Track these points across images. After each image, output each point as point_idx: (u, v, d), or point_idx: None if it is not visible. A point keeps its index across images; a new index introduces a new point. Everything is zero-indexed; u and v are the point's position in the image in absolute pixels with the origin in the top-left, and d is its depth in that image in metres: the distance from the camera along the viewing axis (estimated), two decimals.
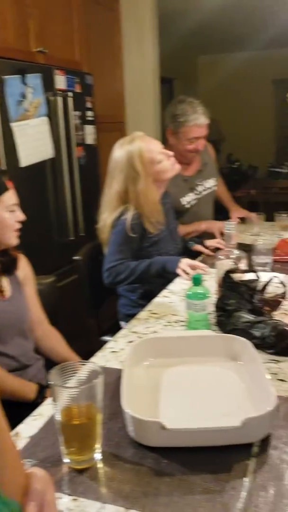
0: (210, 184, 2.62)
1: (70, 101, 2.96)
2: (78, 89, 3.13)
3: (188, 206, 2.49)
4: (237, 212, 2.76)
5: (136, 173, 1.85)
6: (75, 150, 3.03)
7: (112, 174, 1.92)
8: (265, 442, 0.88)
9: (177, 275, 1.86)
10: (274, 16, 4.61)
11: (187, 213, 2.50)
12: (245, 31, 5.45)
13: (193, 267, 1.82)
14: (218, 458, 0.84)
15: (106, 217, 1.93)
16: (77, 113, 3.09)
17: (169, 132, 2.50)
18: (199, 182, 2.55)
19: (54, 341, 1.63)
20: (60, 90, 2.91)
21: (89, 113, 3.26)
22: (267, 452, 0.86)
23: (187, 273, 1.79)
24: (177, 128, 2.43)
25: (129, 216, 1.84)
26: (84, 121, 3.20)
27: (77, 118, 3.11)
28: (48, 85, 2.80)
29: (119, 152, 1.89)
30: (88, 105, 3.25)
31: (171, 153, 1.97)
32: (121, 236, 1.87)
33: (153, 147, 1.91)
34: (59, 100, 2.88)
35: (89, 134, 3.26)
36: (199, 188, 2.56)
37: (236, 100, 6.93)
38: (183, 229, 2.35)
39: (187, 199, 2.49)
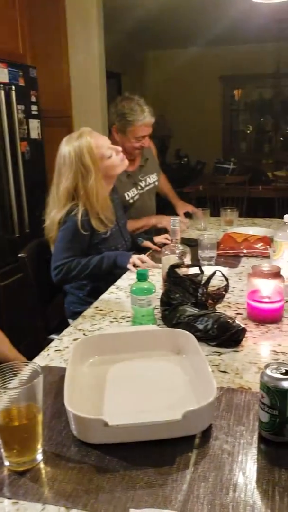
0: (152, 179, 2.65)
1: (13, 95, 2.89)
2: (21, 82, 3.07)
3: (131, 201, 2.50)
4: (182, 207, 2.80)
5: (86, 169, 1.83)
6: (19, 145, 2.97)
7: (60, 170, 1.88)
8: (206, 434, 0.90)
9: (126, 270, 1.87)
10: (221, 13, 4.68)
11: (131, 208, 2.51)
12: (193, 28, 5.51)
13: (143, 262, 1.84)
14: (161, 452, 0.85)
15: (54, 214, 1.89)
16: (21, 107, 3.03)
17: (115, 129, 2.49)
18: (141, 177, 2.58)
19: None
20: (2, 83, 2.84)
21: (34, 107, 3.20)
22: (209, 443, 0.88)
23: (137, 268, 1.81)
24: (125, 127, 2.44)
25: (79, 212, 1.82)
26: (28, 115, 3.14)
27: (21, 112, 3.04)
28: None
29: (67, 148, 1.86)
30: (33, 99, 3.19)
31: (120, 148, 1.97)
32: (70, 233, 1.85)
33: (102, 143, 1.90)
34: (1, 93, 2.81)
35: (34, 128, 3.21)
36: (142, 184, 2.58)
37: (183, 96, 7.00)
38: (132, 225, 2.36)
39: (131, 194, 2.50)
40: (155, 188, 2.70)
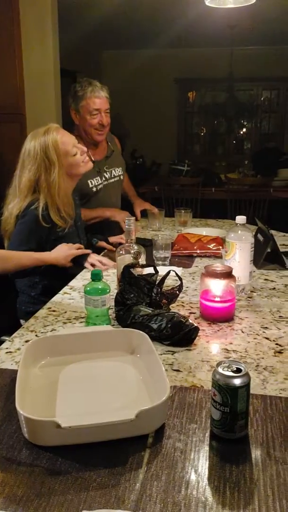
0: (118, 172, 2.66)
1: None
2: None
3: (94, 189, 2.50)
4: (140, 205, 2.81)
5: (50, 163, 1.85)
6: None
7: (24, 163, 1.88)
8: (159, 432, 0.90)
9: (81, 269, 1.87)
10: (177, 15, 4.73)
11: (94, 197, 2.51)
12: (150, 29, 5.54)
13: (101, 263, 1.86)
14: (114, 452, 0.85)
15: (13, 207, 1.88)
16: None
17: (72, 112, 2.52)
18: (107, 168, 2.59)
19: None
20: None
21: None
22: (162, 442, 0.88)
23: (93, 266, 1.84)
24: (77, 103, 2.47)
25: (40, 205, 1.82)
26: None
27: None
28: None
29: (33, 142, 1.87)
30: None
31: (85, 149, 1.99)
32: (28, 226, 1.84)
33: (68, 140, 1.92)
34: None
35: None
36: (106, 175, 2.58)
37: (139, 97, 7.03)
38: (87, 214, 2.35)
39: (94, 182, 2.50)
40: (120, 184, 2.70)
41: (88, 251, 1.90)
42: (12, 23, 3.68)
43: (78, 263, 1.87)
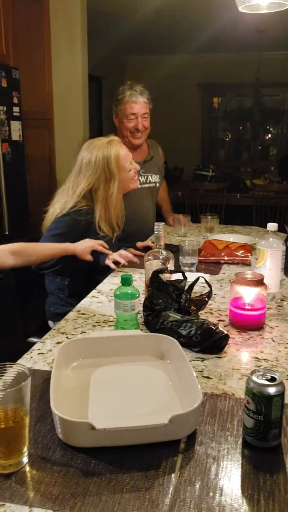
0: (154, 179, 2.68)
1: None
2: (4, 83, 3.04)
3: None
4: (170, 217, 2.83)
5: (111, 175, 1.90)
6: (0, 146, 2.94)
7: (81, 170, 1.92)
8: (191, 438, 0.91)
9: (105, 275, 1.88)
10: (207, 21, 4.74)
11: (125, 197, 2.51)
12: (177, 35, 5.57)
13: (123, 257, 1.87)
14: (147, 456, 0.86)
15: (59, 206, 1.91)
16: (3, 108, 3.01)
17: (114, 115, 2.59)
18: (143, 172, 2.60)
19: None
20: None
21: (16, 109, 3.18)
22: (194, 448, 0.88)
23: (117, 263, 1.85)
24: (117, 107, 2.54)
25: (96, 215, 1.89)
26: (10, 116, 3.11)
27: (3, 113, 3.02)
28: None
29: (96, 151, 1.91)
30: (15, 100, 3.17)
31: (138, 167, 2.06)
32: (64, 227, 1.87)
33: (127, 155, 1.97)
34: None
35: (15, 130, 3.18)
36: (141, 179, 2.59)
37: (163, 102, 6.99)
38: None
39: None
40: (154, 191, 2.72)
41: (109, 252, 1.89)
42: (42, 31, 3.75)
43: (98, 262, 1.87)
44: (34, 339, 1.90)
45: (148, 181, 2.64)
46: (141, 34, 5.59)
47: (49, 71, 3.85)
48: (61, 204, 1.91)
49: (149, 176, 2.65)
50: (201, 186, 5.22)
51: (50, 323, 2.02)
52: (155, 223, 1.59)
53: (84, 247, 1.80)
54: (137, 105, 2.49)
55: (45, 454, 0.86)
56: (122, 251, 1.93)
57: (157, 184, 2.71)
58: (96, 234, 1.93)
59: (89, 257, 1.80)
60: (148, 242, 2.25)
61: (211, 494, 0.77)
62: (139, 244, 2.23)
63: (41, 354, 1.25)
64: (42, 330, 1.64)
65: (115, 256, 1.87)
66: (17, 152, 3.20)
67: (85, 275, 1.94)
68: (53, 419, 0.90)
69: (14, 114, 3.15)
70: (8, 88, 3.07)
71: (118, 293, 1.37)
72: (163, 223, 1.60)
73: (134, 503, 0.75)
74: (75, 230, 1.86)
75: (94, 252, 1.82)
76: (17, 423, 0.81)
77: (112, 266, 1.85)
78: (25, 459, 0.83)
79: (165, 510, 0.74)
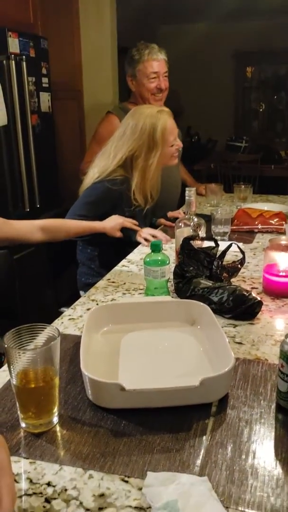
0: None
1: (24, 66, 2.84)
2: (32, 53, 3.01)
3: None
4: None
5: (155, 145, 1.86)
6: (29, 118, 2.93)
7: (125, 134, 1.87)
8: (223, 402, 0.89)
9: (135, 246, 1.86)
10: None
11: None
12: (206, 2, 5.37)
13: (153, 236, 1.83)
14: (177, 418, 0.84)
15: (98, 171, 1.89)
16: (32, 78, 2.98)
17: (128, 79, 2.44)
18: None
19: (61, 228, 1.67)
20: (13, 53, 2.79)
21: (45, 80, 3.15)
22: (225, 412, 0.87)
23: (147, 241, 1.81)
24: (134, 68, 2.38)
25: (133, 183, 1.87)
26: (39, 87, 3.08)
27: (32, 84, 3.00)
28: (1, 47, 2.68)
29: (143, 119, 1.86)
30: (43, 71, 3.14)
31: (181, 144, 2.01)
32: (95, 195, 1.86)
33: (174, 129, 1.92)
34: (13, 64, 2.76)
35: (44, 101, 3.16)
36: None
37: (196, 72, 6.87)
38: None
39: None
40: (179, 155, 2.61)
41: (138, 228, 1.87)
42: (70, 1, 3.68)
43: (129, 239, 1.85)
44: (66, 309, 1.91)
45: None
46: (169, 2, 5.42)
47: (77, 40, 3.78)
48: (100, 168, 1.89)
49: None
50: (234, 158, 5.09)
51: (82, 293, 2.02)
52: (187, 188, 1.55)
53: (113, 224, 1.78)
54: (158, 62, 2.34)
55: (75, 415, 0.86)
56: (151, 230, 1.89)
57: (180, 149, 2.60)
58: (129, 205, 1.90)
59: (118, 234, 1.79)
60: (179, 212, 2.21)
61: (243, 456, 0.75)
62: (170, 214, 2.20)
63: (71, 320, 1.25)
64: (73, 300, 1.64)
65: (146, 235, 1.84)
66: (47, 123, 3.19)
67: (116, 246, 1.93)
68: (83, 381, 0.89)
69: (43, 85, 3.12)
70: (36, 59, 3.03)
71: (148, 259, 1.35)
72: (194, 188, 1.55)
73: (165, 464, 0.74)
74: (107, 199, 1.85)
75: (124, 228, 1.81)
76: (47, 383, 0.81)
77: (144, 242, 1.84)
78: (55, 419, 0.83)
79: (196, 471, 0.73)
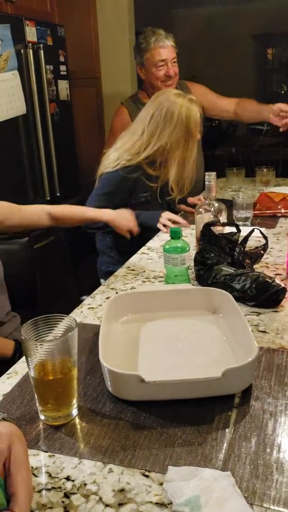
0: None
1: (42, 54, 2.82)
2: (49, 41, 2.98)
3: None
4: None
5: (192, 136, 1.84)
6: (48, 107, 2.91)
7: (162, 125, 1.81)
8: (246, 393, 0.86)
9: (155, 232, 1.83)
10: None
11: None
12: None
13: (173, 222, 1.81)
14: (199, 410, 0.82)
15: (121, 156, 1.85)
16: (49, 67, 2.96)
17: (137, 67, 2.40)
18: None
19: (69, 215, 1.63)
20: (30, 42, 2.77)
21: (62, 67, 3.12)
22: (249, 403, 0.84)
23: (166, 227, 1.80)
24: (142, 56, 2.33)
25: (171, 175, 1.86)
26: (57, 75, 3.06)
27: (50, 73, 2.97)
28: (18, 37, 2.66)
29: (178, 108, 1.80)
30: (61, 58, 3.11)
31: (199, 136, 1.95)
32: (112, 185, 1.84)
33: (199, 120, 1.88)
34: (30, 52, 2.74)
35: (63, 89, 3.14)
36: None
37: (215, 56, 6.74)
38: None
39: None
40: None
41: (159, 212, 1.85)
42: None
43: (150, 226, 1.83)
44: (87, 297, 1.90)
45: None
46: None
47: (94, 27, 3.73)
48: (128, 151, 1.84)
49: None
50: (256, 141, 4.99)
51: (102, 281, 2.00)
52: (206, 173, 1.51)
53: (123, 223, 1.71)
54: (165, 50, 2.27)
55: (94, 407, 0.84)
56: (170, 215, 1.86)
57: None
58: (144, 190, 1.87)
59: (128, 235, 1.73)
60: (199, 198, 2.16)
61: (268, 450, 0.73)
62: (190, 200, 2.16)
63: (91, 309, 1.23)
64: (94, 289, 1.63)
65: (165, 220, 1.82)
66: (65, 112, 3.17)
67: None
68: (102, 372, 0.88)
69: (61, 73, 3.09)
70: (54, 47, 3.00)
71: (167, 247, 1.32)
72: (214, 173, 1.51)
73: (186, 458, 0.72)
74: (124, 187, 1.83)
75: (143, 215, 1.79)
76: (65, 374, 0.79)
77: (163, 229, 1.83)
78: (74, 412, 0.82)
79: (219, 465, 0.70)
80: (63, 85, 3.12)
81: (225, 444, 0.74)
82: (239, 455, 0.72)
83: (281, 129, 2.27)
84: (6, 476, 0.59)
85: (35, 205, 1.60)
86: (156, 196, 1.94)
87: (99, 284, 2.02)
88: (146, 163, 1.85)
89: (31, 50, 2.73)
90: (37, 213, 1.55)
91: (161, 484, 0.67)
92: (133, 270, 1.51)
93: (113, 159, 1.86)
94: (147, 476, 0.69)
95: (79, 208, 1.74)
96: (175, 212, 2.07)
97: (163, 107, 1.81)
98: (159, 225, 1.82)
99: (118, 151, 1.87)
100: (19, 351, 1.35)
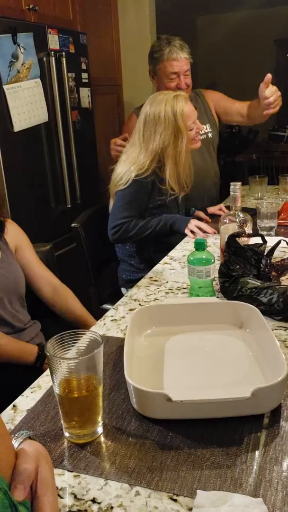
0: (203, 130, 2.42)
1: (64, 62, 2.83)
2: (72, 49, 2.99)
3: None
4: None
5: (179, 131, 1.82)
6: (70, 114, 2.92)
7: (152, 128, 1.84)
8: (276, 413, 0.83)
9: (181, 238, 1.83)
10: None
11: None
12: None
13: (201, 229, 1.80)
14: (227, 430, 0.80)
15: (134, 168, 1.85)
16: (71, 74, 2.97)
17: (150, 75, 2.40)
18: None
19: (68, 301, 1.60)
20: (53, 50, 2.78)
21: (84, 75, 3.12)
22: (279, 424, 0.81)
23: (194, 234, 1.81)
24: (155, 66, 2.32)
25: (166, 173, 1.84)
26: (79, 83, 3.07)
27: (72, 80, 2.98)
28: (41, 45, 2.67)
29: (162, 106, 1.82)
30: (83, 66, 3.12)
31: (202, 127, 1.96)
32: (131, 194, 1.84)
33: (192, 113, 1.88)
34: (53, 60, 2.75)
35: (85, 97, 3.14)
36: None
37: (236, 61, 6.71)
38: None
39: None
40: (210, 142, 2.48)
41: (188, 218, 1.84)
42: None
43: (177, 230, 1.83)
44: (108, 306, 1.90)
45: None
46: None
47: (116, 35, 3.74)
48: (135, 163, 1.85)
49: None
50: (277, 148, 4.94)
51: (123, 290, 2.00)
52: (231, 183, 1.48)
53: None
54: (178, 62, 2.24)
55: (120, 424, 0.82)
56: (197, 222, 1.85)
57: (210, 135, 2.45)
58: (160, 194, 1.88)
59: None
60: (220, 207, 2.13)
61: None
62: (210, 210, 2.13)
63: (114, 321, 1.22)
64: (115, 297, 1.62)
65: (193, 227, 1.82)
66: (87, 119, 3.17)
67: (154, 241, 1.90)
68: (127, 388, 0.86)
69: (83, 80, 3.10)
70: (76, 54, 3.01)
71: (192, 258, 1.30)
72: (239, 183, 1.48)
73: (215, 481, 0.70)
74: (143, 191, 1.85)
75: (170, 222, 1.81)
76: (91, 392, 0.77)
77: (190, 235, 1.83)
78: (99, 429, 0.80)
79: (250, 490, 0.68)
80: (85, 93, 3.13)
81: (255, 468, 0.72)
82: (271, 480, 0.69)
83: (272, 111, 2.23)
84: (32, 498, 0.58)
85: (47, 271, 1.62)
86: (173, 199, 1.94)
87: (119, 293, 2.02)
88: (155, 167, 1.85)
89: (53, 58, 2.74)
90: (46, 280, 1.60)
91: (190, 509, 0.65)
92: (155, 280, 1.49)
93: (121, 173, 1.86)
94: (175, 500, 0.67)
95: (75, 304, 1.65)
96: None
97: (151, 111, 1.83)
98: (187, 231, 1.81)
99: (125, 164, 1.87)
100: (43, 357, 1.36)
